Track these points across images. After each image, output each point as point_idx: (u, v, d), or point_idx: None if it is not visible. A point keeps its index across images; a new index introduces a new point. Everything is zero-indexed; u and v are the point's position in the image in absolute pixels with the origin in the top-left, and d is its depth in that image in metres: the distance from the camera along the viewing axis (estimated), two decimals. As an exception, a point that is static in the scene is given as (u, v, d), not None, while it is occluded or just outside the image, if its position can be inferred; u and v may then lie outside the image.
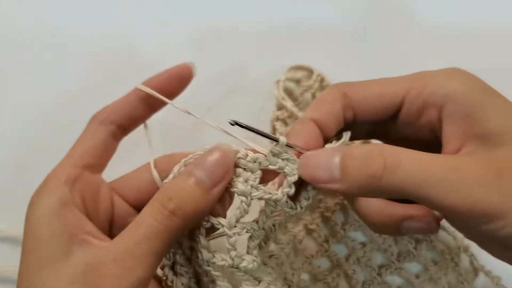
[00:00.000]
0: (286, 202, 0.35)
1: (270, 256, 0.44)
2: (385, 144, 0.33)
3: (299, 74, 0.49)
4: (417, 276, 0.51)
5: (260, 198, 0.34)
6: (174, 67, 0.42)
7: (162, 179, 0.39)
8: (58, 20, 0.57)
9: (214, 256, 0.35)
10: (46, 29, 0.57)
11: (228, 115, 0.51)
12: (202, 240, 0.35)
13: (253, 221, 0.36)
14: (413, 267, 0.52)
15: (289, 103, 0.45)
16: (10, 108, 0.55)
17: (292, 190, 0.34)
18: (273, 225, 0.38)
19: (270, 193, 0.34)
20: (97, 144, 0.39)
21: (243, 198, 0.34)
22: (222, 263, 0.35)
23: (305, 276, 0.51)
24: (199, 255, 0.36)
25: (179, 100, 0.42)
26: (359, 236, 0.52)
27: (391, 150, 0.30)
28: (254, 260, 0.36)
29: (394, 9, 0.57)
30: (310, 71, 0.50)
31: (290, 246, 0.50)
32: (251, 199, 0.34)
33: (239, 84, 0.54)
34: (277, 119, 0.46)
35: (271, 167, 0.34)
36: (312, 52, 0.55)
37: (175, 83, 0.42)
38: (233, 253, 0.35)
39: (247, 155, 0.35)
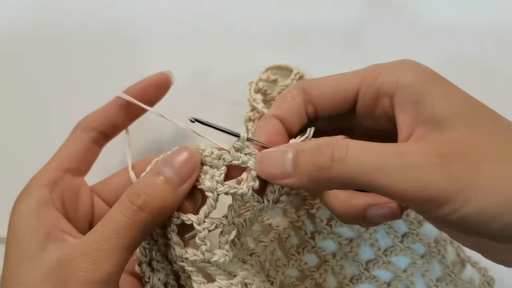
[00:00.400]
0: (253, 196, 0.36)
1: (251, 254, 0.45)
2: (335, 137, 0.34)
3: (276, 75, 0.50)
4: (405, 270, 0.51)
5: (226, 193, 0.35)
6: (153, 76, 0.45)
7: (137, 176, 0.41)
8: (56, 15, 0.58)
9: (186, 252, 0.36)
10: (41, 23, 0.58)
11: (214, 115, 0.54)
12: (174, 236, 0.36)
13: (222, 216, 0.36)
14: (400, 260, 0.52)
15: (259, 105, 0.46)
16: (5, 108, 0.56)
17: (256, 184, 0.35)
18: (244, 221, 0.38)
19: (235, 187, 0.35)
20: (78, 150, 0.42)
21: (210, 194, 0.35)
22: (194, 258, 0.36)
23: (292, 272, 0.51)
24: (172, 251, 0.36)
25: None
26: (345, 231, 0.52)
27: (339, 142, 0.31)
28: (226, 255, 0.36)
29: (393, 9, 0.57)
30: (289, 70, 0.50)
31: (274, 244, 0.50)
32: (218, 194, 0.35)
33: (233, 84, 0.55)
34: (249, 119, 0.47)
35: (234, 162, 0.35)
36: (310, 52, 0.56)
37: (154, 91, 0.44)
38: (203, 248, 0.36)
39: (212, 152, 0.36)
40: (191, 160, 0.35)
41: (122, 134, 0.46)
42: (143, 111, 0.44)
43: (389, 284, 0.51)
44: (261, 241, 0.49)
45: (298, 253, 0.51)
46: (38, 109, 0.55)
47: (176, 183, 0.35)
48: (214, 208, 0.36)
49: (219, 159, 0.36)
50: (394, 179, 0.28)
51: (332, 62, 0.55)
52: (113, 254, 0.32)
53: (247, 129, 0.47)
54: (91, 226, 0.42)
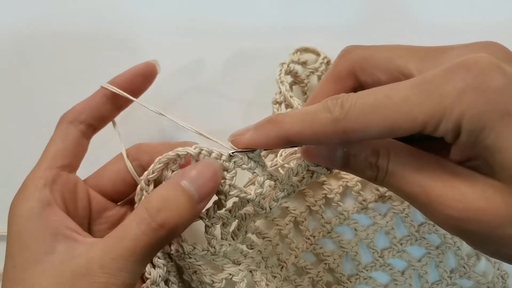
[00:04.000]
0: (258, 202, 0.37)
1: (263, 238, 0.48)
2: (380, 144, 0.33)
3: (305, 56, 0.49)
4: (419, 260, 0.52)
5: (236, 197, 0.36)
6: (138, 65, 0.43)
7: (134, 168, 0.41)
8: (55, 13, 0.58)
9: (194, 248, 0.38)
10: (41, 19, 0.57)
11: (224, 111, 0.54)
12: (181, 235, 0.37)
13: (225, 210, 0.38)
14: (415, 250, 0.52)
15: (284, 87, 0.46)
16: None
17: (264, 190, 0.36)
18: (244, 214, 0.40)
19: (245, 192, 0.36)
20: (69, 145, 0.40)
21: (222, 197, 0.36)
22: (203, 253, 0.38)
23: (306, 256, 0.51)
24: (180, 249, 0.38)
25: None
26: (362, 218, 0.52)
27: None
28: (230, 244, 0.39)
29: (395, 9, 0.56)
30: (316, 53, 0.49)
31: (289, 227, 0.50)
32: (229, 197, 0.36)
33: (234, 81, 0.55)
34: (276, 102, 0.47)
35: (244, 166, 0.36)
36: None
37: (140, 80, 0.43)
38: (214, 242, 0.38)
39: (221, 154, 0.35)
40: (214, 179, 0.35)
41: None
42: (130, 101, 0.43)
43: (402, 273, 0.52)
44: (277, 224, 0.49)
45: (314, 237, 0.51)
46: (34, 105, 0.55)
47: (196, 200, 0.34)
48: (224, 207, 0.37)
49: (229, 161, 0.35)
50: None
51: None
52: (130, 269, 0.32)
53: (273, 112, 0.47)
54: (89, 221, 0.41)
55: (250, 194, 0.37)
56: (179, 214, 0.33)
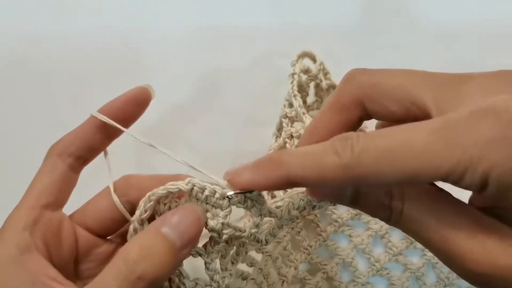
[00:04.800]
0: (254, 237, 0.36)
1: (263, 253, 0.47)
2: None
3: (306, 62, 0.47)
4: (416, 262, 0.52)
5: (230, 235, 0.35)
6: (131, 91, 0.40)
7: (122, 203, 0.39)
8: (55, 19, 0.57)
9: (197, 284, 0.36)
10: (43, 25, 0.56)
11: (222, 115, 0.52)
12: (183, 271, 0.35)
13: (224, 242, 0.36)
14: (411, 253, 0.52)
15: (297, 102, 0.43)
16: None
17: (258, 231, 0.35)
18: (242, 242, 0.38)
19: (240, 231, 0.35)
20: (55, 181, 0.37)
21: (215, 234, 0.34)
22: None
23: (304, 266, 0.51)
24: (181, 286, 0.36)
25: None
26: (356, 224, 0.52)
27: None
28: (231, 274, 0.37)
29: (395, 9, 0.56)
30: (313, 58, 0.48)
31: (287, 238, 0.50)
32: (222, 236, 0.34)
33: (235, 83, 0.53)
34: (286, 116, 0.44)
35: (239, 205, 0.33)
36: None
37: (133, 107, 0.39)
38: (217, 277, 0.36)
39: (215, 191, 0.33)
40: (197, 224, 0.32)
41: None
42: (121, 130, 0.39)
43: (400, 277, 0.52)
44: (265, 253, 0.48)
45: (311, 246, 0.51)
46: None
47: (178, 248, 0.31)
48: (221, 242, 0.35)
49: (224, 199, 0.33)
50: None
51: (332, 62, 0.53)
52: None
53: (281, 125, 0.44)
54: (76, 261, 0.38)
55: (245, 232, 0.35)
56: (160, 264, 0.31)
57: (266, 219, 0.36)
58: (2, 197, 0.37)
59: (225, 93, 0.53)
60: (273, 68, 0.48)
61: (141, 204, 0.33)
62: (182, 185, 0.33)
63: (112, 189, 0.39)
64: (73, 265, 0.38)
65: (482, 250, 0.27)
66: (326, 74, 0.49)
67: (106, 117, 0.38)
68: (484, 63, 0.54)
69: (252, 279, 0.44)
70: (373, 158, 0.26)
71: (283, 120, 0.44)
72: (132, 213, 0.37)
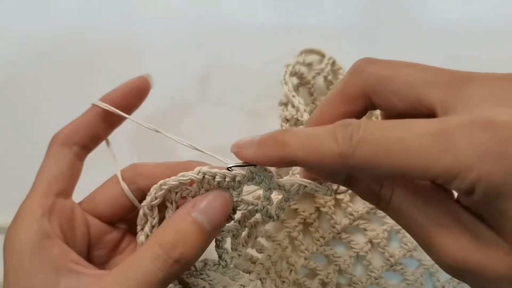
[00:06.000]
0: (266, 211, 0.37)
1: (273, 241, 0.48)
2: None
3: (310, 58, 0.49)
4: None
5: (242, 215, 0.37)
6: (131, 80, 0.41)
7: (131, 191, 0.39)
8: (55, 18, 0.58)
9: (205, 264, 0.37)
10: (39, 22, 0.58)
11: (227, 115, 0.53)
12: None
13: (234, 222, 0.38)
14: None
15: (286, 87, 0.44)
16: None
17: (269, 203, 0.36)
18: (254, 223, 0.39)
19: (252, 204, 0.37)
20: (64, 169, 0.38)
21: (230, 212, 0.36)
22: (214, 267, 0.38)
23: (317, 258, 0.52)
24: (192, 267, 0.37)
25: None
26: (372, 218, 0.52)
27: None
28: (240, 255, 0.39)
29: (395, 8, 0.56)
30: (321, 55, 0.49)
31: (299, 228, 0.51)
32: (235, 212, 0.36)
33: (237, 84, 0.54)
34: (281, 103, 0.46)
35: (249, 183, 0.35)
36: None
37: (133, 96, 0.41)
38: (225, 255, 0.37)
39: (225, 176, 0.34)
40: (225, 208, 0.34)
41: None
42: (123, 118, 0.41)
43: (413, 273, 0.51)
44: (286, 226, 0.49)
45: (324, 238, 0.51)
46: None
47: (208, 231, 0.33)
48: (233, 220, 0.37)
49: (234, 180, 0.34)
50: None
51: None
52: None
53: (280, 114, 0.46)
54: (89, 247, 0.39)
55: (257, 205, 0.37)
56: (193, 247, 0.33)
57: (274, 197, 0.37)
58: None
59: (225, 89, 0.54)
60: (275, 64, 0.49)
61: (152, 191, 0.35)
62: (193, 175, 0.34)
63: (120, 178, 0.40)
64: (86, 252, 0.39)
65: (459, 247, 0.28)
66: (338, 69, 0.50)
67: (108, 105, 0.39)
68: (484, 61, 0.54)
69: (261, 263, 0.45)
70: (369, 151, 0.27)
71: (280, 107, 0.46)
72: (140, 200, 0.39)
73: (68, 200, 0.38)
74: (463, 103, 0.28)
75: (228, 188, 0.35)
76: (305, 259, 0.50)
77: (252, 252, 0.46)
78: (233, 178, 0.34)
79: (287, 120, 0.44)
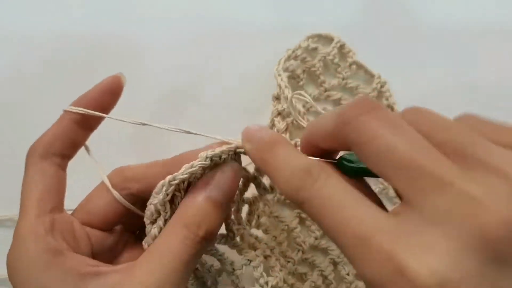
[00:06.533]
0: (259, 182, 0.40)
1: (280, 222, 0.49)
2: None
3: (316, 43, 0.49)
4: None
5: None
6: (104, 81, 0.40)
7: (123, 197, 0.39)
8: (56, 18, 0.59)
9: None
10: (41, 23, 0.58)
11: (227, 115, 0.53)
12: None
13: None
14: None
15: (279, 77, 0.44)
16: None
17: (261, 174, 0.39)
18: (252, 199, 0.42)
19: (246, 171, 0.39)
20: (50, 184, 0.37)
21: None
22: (223, 240, 0.40)
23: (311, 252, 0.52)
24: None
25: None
26: (382, 198, 0.52)
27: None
28: (245, 228, 0.41)
29: (395, 9, 0.55)
30: (330, 39, 0.50)
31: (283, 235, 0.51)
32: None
33: (237, 83, 0.55)
34: (275, 98, 0.45)
35: (239, 150, 0.37)
36: None
37: (108, 97, 0.39)
38: (232, 225, 0.40)
39: (229, 152, 0.36)
40: (236, 180, 0.37)
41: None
42: (99, 120, 0.40)
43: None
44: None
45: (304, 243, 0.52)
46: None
47: (224, 206, 0.36)
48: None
49: (235, 153, 0.37)
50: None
51: None
52: (180, 284, 0.33)
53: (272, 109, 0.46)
54: (93, 256, 0.38)
55: (250, 173, 0.39)
56: (215, 223, 0.35)
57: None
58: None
59: (225, 88, 0.55)
60: (275, 64, 0.49)
61: (162, 189, 0.35)
62: (202, 162, 0.35)
63: (110, 186, 0.39)
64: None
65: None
66: (347, 52, 0.50)
67: (82, 108, 0.38)
68: (485, 61, 0.52)
69: (265, 243, 0.46)
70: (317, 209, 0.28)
71: (274, 102, 0.45)
72: (133, 204, 0.40)
73: (63, 214, 0.38)
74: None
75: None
76: (316, 238, 0.51)
77: (257, 232, 0.48)
78: (235, 151, 0.36)
79: (279, 114, 0.44)
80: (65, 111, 0.38)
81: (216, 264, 0.42)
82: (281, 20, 0.55)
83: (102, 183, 0.39)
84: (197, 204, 0.35)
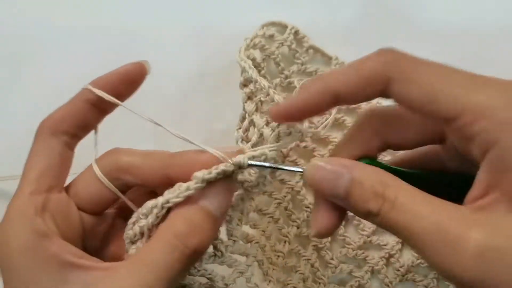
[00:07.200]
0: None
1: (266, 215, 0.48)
2: (389, 176, 0.31)
3: (272, 30, 0.49)
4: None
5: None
6: (126, 66, 0.38)
7: (106, 175, 0.37)
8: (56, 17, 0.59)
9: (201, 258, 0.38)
10: (45, 21, 0.58)
11: (227, 114, 0.53)
12: None
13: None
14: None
15: (246, 64, 0.42)
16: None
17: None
18: (241, 198, 0.39)
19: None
20: (54, 162, 0.35)
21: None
22: (211, 260, 0.38)
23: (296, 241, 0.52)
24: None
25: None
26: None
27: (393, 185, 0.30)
28: (234, 241, 0.39)
29: (395, 9, 0.57)
30: (283, 26, 0.50)
31: (288, 198, 0.51)
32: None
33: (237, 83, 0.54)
34: (243, 85, 0.43)
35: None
36: None
37: (127, 83, 0.38)
38: (220, 246, 0.38)
39: (217, 176, 0.34)
40: (230, 193, 0.35)
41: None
42: (115, 106, 0.38)
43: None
44: (275, 198, 0.50)
45: (312, 204, 0.52)
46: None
47: (218, 218, 0.34)
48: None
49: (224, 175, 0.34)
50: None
51: None
52: None
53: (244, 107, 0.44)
54: (83, 239, 0.37)
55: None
56: (207, 236, 0.33)
57: None
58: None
59: (225, 88, 0.54)
60: None
61: (153, 211, 0.34)
62: (199, 185, 0.33)
63: (103, 177, 0.37)
64: (81, 244, 0.37)
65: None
66: (302, 38, 0.51)
67: (100, 91, 0.36)
68: (485, 61, 0.54)
69: (256, 242, 0.46)
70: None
71: (242, 89, 0.44)
72: (124, 191, 0.38)
73: (61, 195, 0.36)
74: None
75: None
76: (298, 227, 0.51)
77: (245, 228, 0.47)
78: (232, 172, 0.34)
79: (249, 98, 0.43)
80: (83, 89, 0.37)
81: (205, 282, 0.40)
82: (281, 20, 0.54)
83: (92, 167, 0.37)
84: (191, 215, 0.33)
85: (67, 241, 0.34)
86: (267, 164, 0.34)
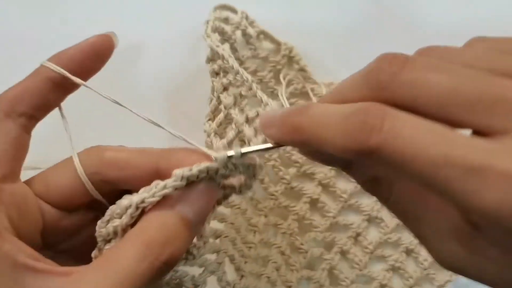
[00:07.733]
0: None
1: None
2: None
3: (225, 13, 0.48)
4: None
5: None
6: (90, 39, 0.34)
7: (85, 169, 0.33)
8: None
9: None
10: (44, 26, 0.55)
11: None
12: None
13: None
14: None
15: (217, 46, 0.40)
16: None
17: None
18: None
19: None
20: (8, 147, 0.32)
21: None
22: (182, 263, 0.35)
23: (277, 213, 0.52)
24: None
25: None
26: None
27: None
28: (205, 242, 0.36)
29: (395, 9, 0.56)
30: (233, 10, 0.49)
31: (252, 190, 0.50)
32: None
33: None
34: (215, 73, 0.41)
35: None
36: (310, 52, 0.54)
37: (94, 57, 0.34)
38: (192, 249, 0.34)
39: (198, 174, 0.30)
40: (213, 200, 0.32)
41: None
42: (78, 85, 0.34)
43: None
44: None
45: (277, 191, 0.51)
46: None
47: (195, 226, 0.31)
48: None
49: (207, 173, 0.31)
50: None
51: (331, 62, 0.54)
52: None
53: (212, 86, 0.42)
54: (43, 236, 0.34)
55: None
56: (182, 245, 0.30)
57: None
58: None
59: None
60: None
61: (127, 212, 0.30)
62: (177, 183, 0.30)
63: (79, 166, 0.33)
64: (40, 239, 0.34)
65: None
66: (251, 22, 0.50)
67: (60, 68, 0.33)
68: None
69: (226, 236, 0.44)
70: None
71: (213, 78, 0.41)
72: (101, 189, 0.34)
73: (16, 184, 0.32)
74: None
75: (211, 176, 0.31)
76: (265, 216, 0.50)
77: (213, 224, 0.45)
78: (216, 172, 0.31)
79: (216, 74, 0.40)
80: (42, 65, 0.33)
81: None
82: (281, 20, 0.54)
83: (70, 159, 0.33)
84: (165, 221, 0.30)
85: (23, 238, 0.30)
86: (263, 146, 0.31)
